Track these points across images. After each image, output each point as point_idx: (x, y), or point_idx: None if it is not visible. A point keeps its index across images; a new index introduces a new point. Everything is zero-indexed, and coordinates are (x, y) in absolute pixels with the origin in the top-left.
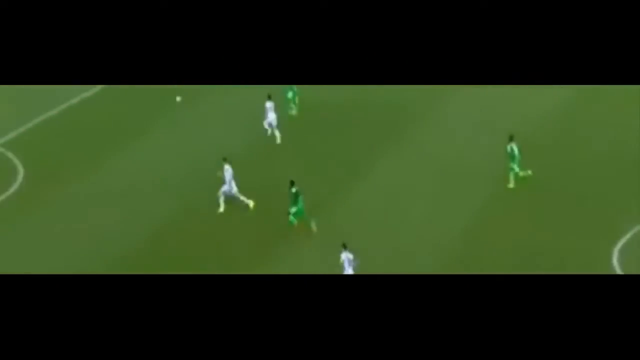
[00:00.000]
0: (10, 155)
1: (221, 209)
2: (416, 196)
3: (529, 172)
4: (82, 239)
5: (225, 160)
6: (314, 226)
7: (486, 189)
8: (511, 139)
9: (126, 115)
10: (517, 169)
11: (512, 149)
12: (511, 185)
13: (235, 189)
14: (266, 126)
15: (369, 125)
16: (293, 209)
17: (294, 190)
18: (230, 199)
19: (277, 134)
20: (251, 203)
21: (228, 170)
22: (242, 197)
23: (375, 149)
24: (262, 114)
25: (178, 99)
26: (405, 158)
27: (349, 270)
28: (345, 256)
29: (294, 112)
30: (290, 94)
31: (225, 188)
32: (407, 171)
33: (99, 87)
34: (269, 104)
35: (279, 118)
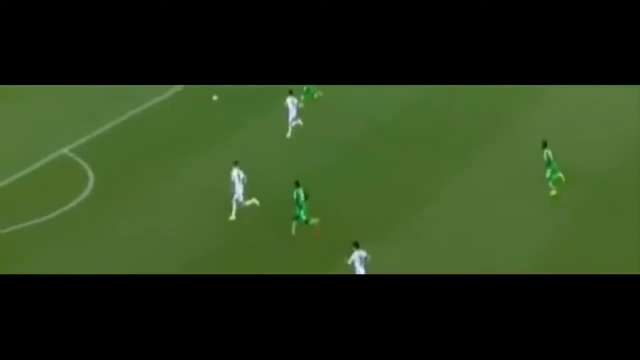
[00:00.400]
0: (80, 160)
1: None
2: (499, 204)
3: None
4: (154, 242)
5: (236, 164)
6: (314, 221)
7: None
8: (545, 145)
9: (201, 119)
10: (558, 174)
11: (547, 156)
12: (554, 192)
13: (238, 194)
14: (292, 123)
15: (454, 131)
16: (301, 212)
17: (299, 192)
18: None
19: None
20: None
21: (239, 175)
22: (235, 207)
23: (462, 156)
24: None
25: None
26: (491, 165)
27: (360, 270)
28: (358, 255)
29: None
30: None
31: (236, 195)
32: (492, 178)
33: (173, 89)
34: (290, 100)
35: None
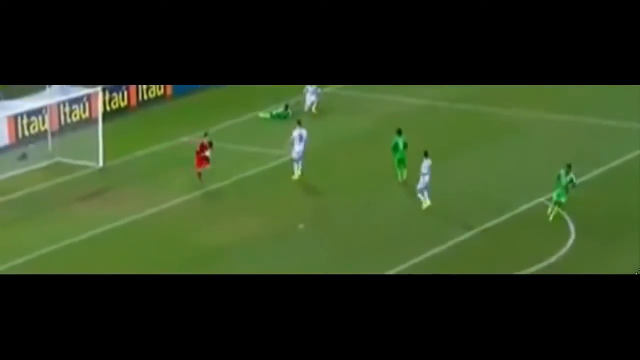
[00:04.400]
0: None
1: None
2: None
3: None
4: None
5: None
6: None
7: None
8: (568, 167)
9: None
10: (555, 197)
11: (559, 176)
12: (550, 218)
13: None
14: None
15: None
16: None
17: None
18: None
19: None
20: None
21: (301, 135)
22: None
23: None
24: None
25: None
26: None
27: None
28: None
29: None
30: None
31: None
32: None
33: None
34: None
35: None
